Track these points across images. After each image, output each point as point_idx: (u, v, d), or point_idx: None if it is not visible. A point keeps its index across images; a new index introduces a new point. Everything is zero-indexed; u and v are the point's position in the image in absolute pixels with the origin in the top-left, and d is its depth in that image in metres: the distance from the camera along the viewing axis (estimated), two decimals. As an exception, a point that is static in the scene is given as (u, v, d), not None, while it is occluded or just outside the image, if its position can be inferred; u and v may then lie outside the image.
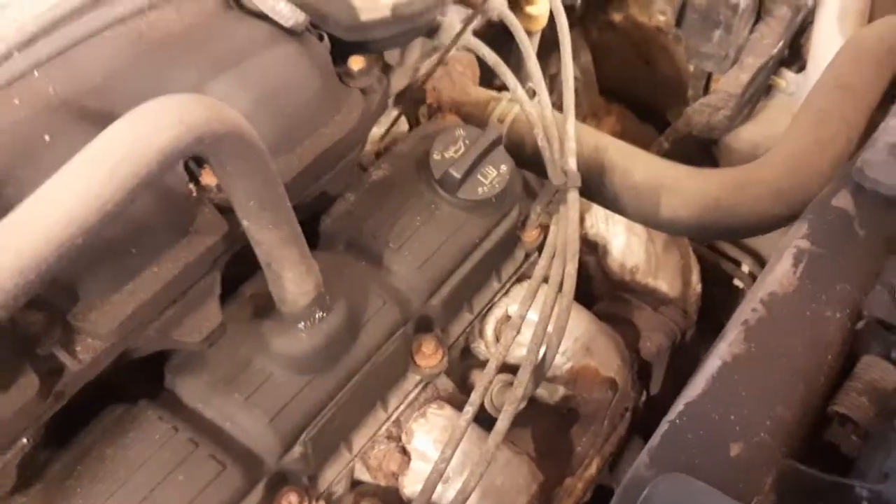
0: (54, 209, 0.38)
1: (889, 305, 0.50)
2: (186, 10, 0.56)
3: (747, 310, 0.52)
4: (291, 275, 0.55)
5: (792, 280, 0.53)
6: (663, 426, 0.46)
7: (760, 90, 1.13)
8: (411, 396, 0.72)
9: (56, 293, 0.48)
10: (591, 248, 0.99)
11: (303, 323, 0.58)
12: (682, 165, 0.85)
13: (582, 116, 1.33)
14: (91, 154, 0.40)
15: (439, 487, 0.62)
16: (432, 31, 0.77)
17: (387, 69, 0.75)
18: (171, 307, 0.54)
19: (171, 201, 0.52)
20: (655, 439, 0.46)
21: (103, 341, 0.50)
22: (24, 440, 0.49)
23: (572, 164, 0.78)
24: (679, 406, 0.47)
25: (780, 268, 0.54)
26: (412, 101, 0.90)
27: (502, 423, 0.65)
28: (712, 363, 0.49)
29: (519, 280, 0.81)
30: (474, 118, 0.92)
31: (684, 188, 0.82)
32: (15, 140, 0.51)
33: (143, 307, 0.51)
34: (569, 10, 1.07)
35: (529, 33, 0.94)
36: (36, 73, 0.52)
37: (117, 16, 0.54)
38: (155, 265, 0.52)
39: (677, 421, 0.46)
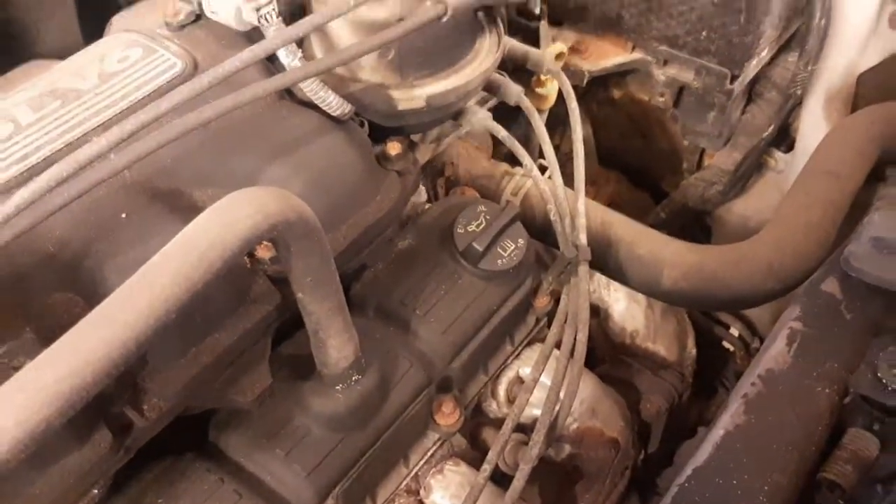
0: (155, 289, 0.44)
1: (872, 383, 0.56)
2: (252, 108, 0.62)
3: (747, 384, 0.58)
4: (335, 342, 0.60)
5: (786, 358, 0.59)
6: (673, 489, 0.52)
7: (752, 167, 1.21)
8: (430, 453, 0.77)
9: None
10: (594, 313, 1.05)
11: (340, 385, 0.64)
12: (682, 241, 0.92)
13: (581, 184, 1.40)
14: (184, 240, 0.46)
15: (458, 541, 0.67)
16: (457, 114, 0.84)
17: (412, 146, 0.82)
18: (228, 369, 0.59)
19: (231, 274, 0.58)
20: (667, 500, 0.51)
21: (168, 401, 0.55)
22: (95, 490, 0.53)
23: (583, 238, 0.84)
24: (687, 471, 0.53)
25: (775, 346, 0.60)
26: (432, 173, 0.97)
27: (519, 482, 0.70)
28: (716, 432, 0.55)
29: (529, 344, 0.87)
30: (489, 190, 0.99)
31: (685, 262, 0.89)
32: (95, 217, 0.56)
33: (204, 371, 0.56)
34: (573, 88, 1.15)
35: (540, 111, 1.02)
36: (112, 155, 0.58)
37: (185, 105, 0.59)
38: (216, 332, 0.57)
39: (686, 485, 0.52)
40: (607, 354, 1.06)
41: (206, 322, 0.57)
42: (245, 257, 0.62)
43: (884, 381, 0.55)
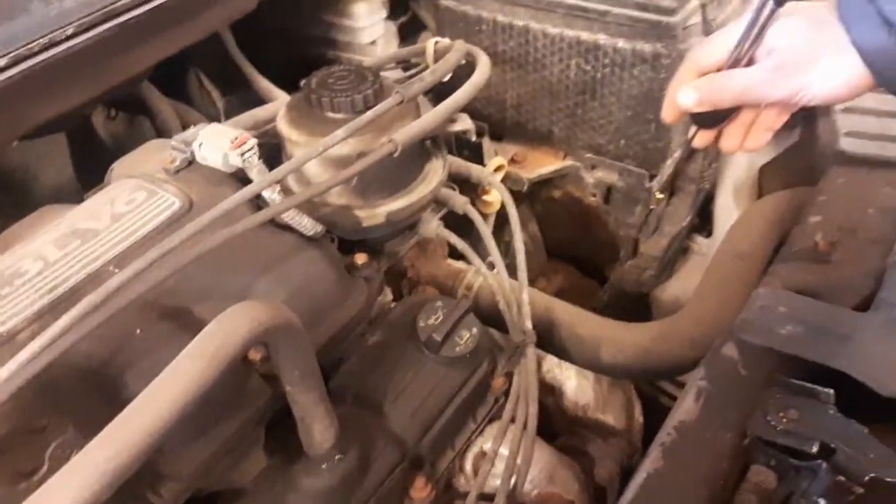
0: (175, 388, 0.55)
1: (764, 426, 0.67)
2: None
3: (664, 434, 0.69)
4: (319, 426, 0.71)
5: (695, 411, 0.71)
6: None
7: (677, 253, 1.35)
8: (407, 526, 0.86)
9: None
10: (549, 391, 1.16)
11: (325, 464, 0.74)
12: (616, 321, 1.04)
13: (533, 276, 1.53)
14: (196, 348, 0.57)
15: None
16: (413, 224, 0.97)
17: (377, 255, 0.94)
18: (229, 455, 0.69)
19: (230, 375, 0.69)
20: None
21: (182, 484, 0.65)
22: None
23: (529, 324, 0.96)
24: (617, 510, 0.63)
25: (686, 402, 0.72)
26: (395, 275, 1.09)
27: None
28: (640, 475, 0.66)
29: (491, 421, 0.97)
30: (445, 287, 1.11)
31: (619, 339, 1.01)
32: (115, 334, 0.67)
33: (211, 457, 0.66)
34: (517, 193, 1.30)
35: (487, 215, 1.16)
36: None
37: (184, 239, 0.71)
38: (220, 423, 0.67)
39: (618, 521, 0.62)
40: (563, 427, 1.17)
41: (211, 415, 0.67)
42: (240, 360, 0.73)
43: (772, 423, 0.67)
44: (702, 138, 0.80)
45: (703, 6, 1.10)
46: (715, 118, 0.76)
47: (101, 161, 0.95)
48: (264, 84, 1.20)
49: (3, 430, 0.57)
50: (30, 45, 0.63)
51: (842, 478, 0.64)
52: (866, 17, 0.64)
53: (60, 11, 0.66)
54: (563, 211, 1.46)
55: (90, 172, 1.01)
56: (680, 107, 0.75)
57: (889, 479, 0.64)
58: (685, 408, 0.72)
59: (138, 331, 0.68)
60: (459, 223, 1.05)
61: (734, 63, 0.71)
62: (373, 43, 1.30)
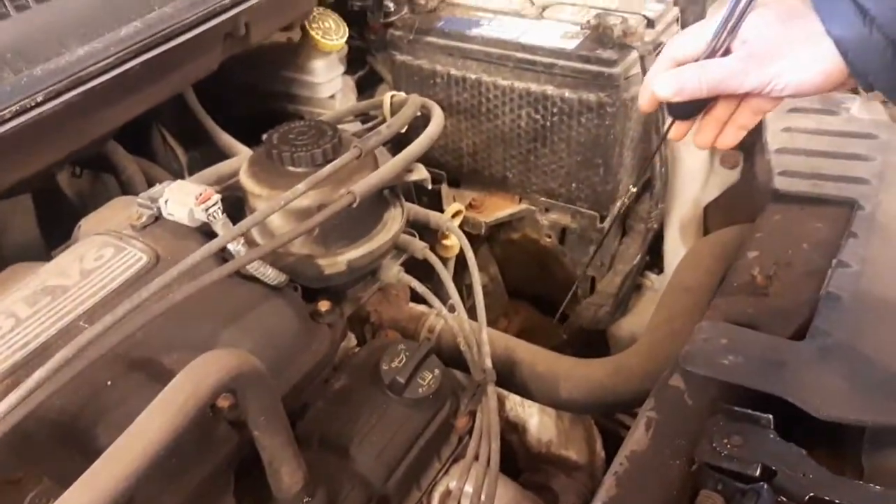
0: (148, 436, 0.57)
1: (710, 452, 0.71)
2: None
3: (617, 464, 0.73)
4: (287, 469, 0.73)
5: (645, 440, 0.75)
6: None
7: (631, 289, 1.40)
8: (375, 564, 0.87)
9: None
10: (513, 428, 1.19)
11: (294, 507, 0.76)
12: (573, 358, 1.08)
13: (495, 316, 1.57)
14: (166, 397, 0.59)
15: None
16: (374, 271, 1.00)
17: (339, 301, 0.97)
18: (200, 502, 0.70)
19: (199, 422, 0.71)
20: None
21: (155, 530, 0.66)
22: None
23: (488, 363, 0.99)
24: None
25: (637, 432, 0.75)
26: (358, 321, 1.12)
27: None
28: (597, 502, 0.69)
29: (456, 460, 1.00)
30: (408, 331, 1.14)
31: (576, 376, 1.05)
32: (86, 387, 0.69)
33: (184, 502, 0.68)
34: (476, 237, 1.34)
35: (447, 259, 1.19)
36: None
37: (152, 293, 0.74)
38: (191, 469, 0.69)
39: (574, 549, 0.65)
40: (527, 463, 1.19)
41: (181, 462, 0.69)
42: (208, 408, 0.75)
43: (717, 449, 0.71)
44: (677, 130, 0.80)
45: (642, 58, 1.16)
46: (690, 109, 0.77)
47: (67, 218, 0.97)
48: (226, 139, 1.24)
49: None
50: (1, 113, 0.66)
51: (783, 498, 0.68)
52: (841, 5, 0.64)
53: (30, 79, 0.69)
54: (522, 252, 1.51)
55: (56, 230, 1.03)
56: (656, 96, 0.75)
57: (827, 498, 0.68)
58: (636, 438, 0.75)
59: (109, 382, 0.70)
60: (421, 267, 1.09)
61: (710, 54, 0.72)
62: (332, 97, 1.34)
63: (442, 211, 1.18)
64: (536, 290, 1.60)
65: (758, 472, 0.69)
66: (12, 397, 0.60)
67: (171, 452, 0.58)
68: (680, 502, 0.71)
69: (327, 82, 1.31)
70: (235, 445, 0.73)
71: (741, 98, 0.74)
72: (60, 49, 0.71)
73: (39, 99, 0.68)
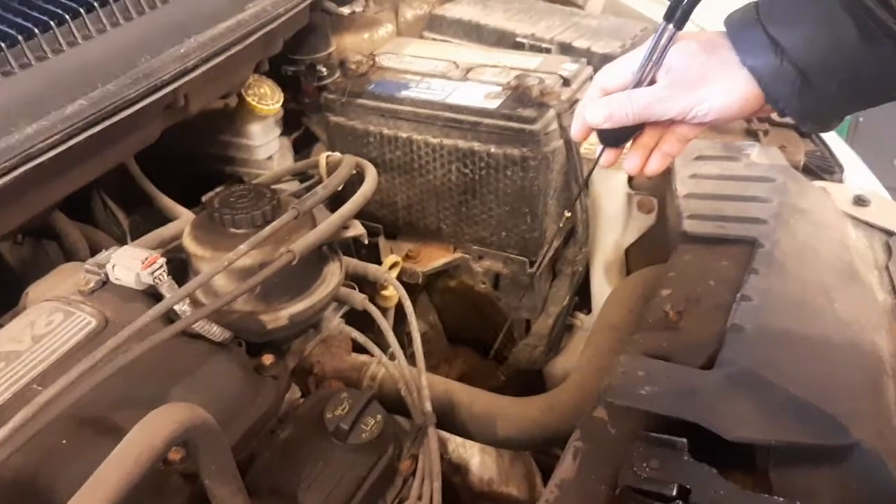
0: (104, 488, 0.60)
1: (632, 476, 0.77)
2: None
3: (547, 492, 0.78)
4: (237, 516, 0.76)
5: (573, 468, 0.80)
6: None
7: (562, 329, 1.48)
8: None
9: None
10: (455, 469, 1.24)
11: (245, 553, 0.79)
12: (509, 397, 1.14)
13: (436, 362, 1.62)
14: (122, 450, 0.63)
15: None
16: (316, 324, 1.05)
17: (283, 354, 1.01)
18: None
19: (152, 476, 0.74)
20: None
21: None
22: None
23: (428, 406, 1.04)
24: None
25: (565, 461, 0.81)
26: (302, 373, 1.16)
27: None
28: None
29: (401, 502, 1.04)
30: (351, 380, 1.18)
31: (512, 414, 1.10)
32: (42, 446, 0.71)
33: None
34: (414, 286, 1.40)
35: (387, 308, 1.25)
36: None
37: (104, 355, 0.77)
38: (144, 523, 0.72)
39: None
40: (471, 503, 1.24)
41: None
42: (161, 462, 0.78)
43: (638, 472, 0.77)
44: (608, 157, 0.85)
45: (559, 115, 1.25)
46: (620, 136, 0.81)
47: (10, 286, 0.99)
48: (167, 202, 1.27)
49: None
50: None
51: (697, 512, 0.75)
52: (754, 38, 0.70)
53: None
54: (459, 299, 1.57)
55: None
56: (588, 124, 0.80)
57: (736, 510, 0.74)
58: (564, 467, 0.81)
59: (64, 441, 0.73)
60: (362, 318, 1.14)
61: (637, 84, 0.77)
62: (269, 158, 1.40)
63: (380, 263, 1.24)
64: (475, 334, 1.66)
65: (674, 492, 0.75)
66: (-30, 460, 0.63)
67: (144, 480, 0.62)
68: (606, 524, 0.76)
69: (264, 145, 1.36)
70: (188, 497, 0.76)
71: (667, 125, 0.80)
72: (10, 128, 0.75)
73: (-10, 174, 0.72)
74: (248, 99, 1.29)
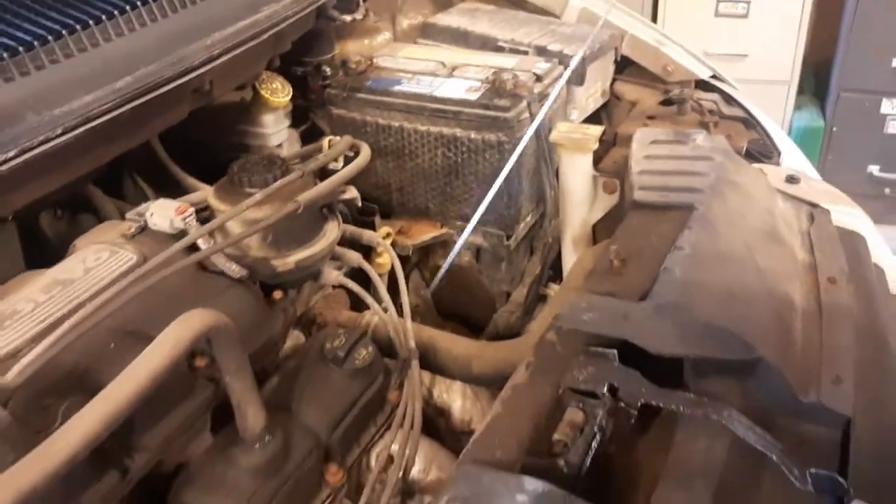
0: (145, 368, 0.77)
1: (572, 380, 0.93)
2: (183, 278, 0.97)
3: (504, 393, 0.95)
4: (252, 410, 0.92)
5: (525, 376, 0.97)
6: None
7: (537, 298, 1.64)
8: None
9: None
10: (440, 413, 1.39)
11: (258, 444, 0.95)
12: (482, 342, 1.30)
13: (427, 333, 1.78)
14: (159, 341, 0.80)
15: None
16: (317, 275, 1.22)
17: (288, 293, 1.18)
18: (184, 435, 0.90)
19: (182, 378, 0.91)
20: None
21: (148, 453, 0.85)
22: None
23: (412, 343, 1.21)
24: (469, 443, 0.87)
25: (519, 372, 0.97)
26: (306, 323, 1.32)
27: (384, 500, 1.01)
28: (485, 420, 0.91)
29: (388, 428, 1.20)
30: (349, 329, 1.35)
31: (484, 355, 1.27)
32: (95, 347, 0.88)
33: (171, 434, 0.87)
34: (406, 259, 1.56)
35: (380, 275, 1.41)
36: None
37: (142, 274, 0.94)
38: (176, 410, 0.88)
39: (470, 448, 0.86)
40: (453, 443, 1.39)
41: (170, 403, 0.88)
42: (188, 369, 0.94)
43: (578, 377, 0.93)
44: None
45: (529, 104, 1.42)
46: None
47: (50, 256, 1.15)
48: (191, 181, 1.44)
49: (20, 407, 0.77)
50: (31, 141, 0.87)
51: (623, 404, 0.90)
52: None
53: (50, 118, 0.90)
54: (447, 276, 1.73)
55: (37, 266, 1.21)
56: None
57: (654, 403, 0.90)
58: (519, 375, 0.97)
59: (112, 345, 0.89)
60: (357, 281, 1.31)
61: None
62: (279, 145, 1.57)
63: (375, 238, 1.41)
64: (462, 310, 1.82)
65: (605, 390, 0.91)
66: (39, 347, 0.80)
67: (163, 394, 0.78)
68: (551, 418, 0.92)
69: (276, 133, 1.54)
70: (210, 393, 0.93)
71: None
72: (72, 96, 0.92)
73: (59, 132, 0.89)
74: (262, 92, 1.46)
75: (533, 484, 0.78)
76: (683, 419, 0.90)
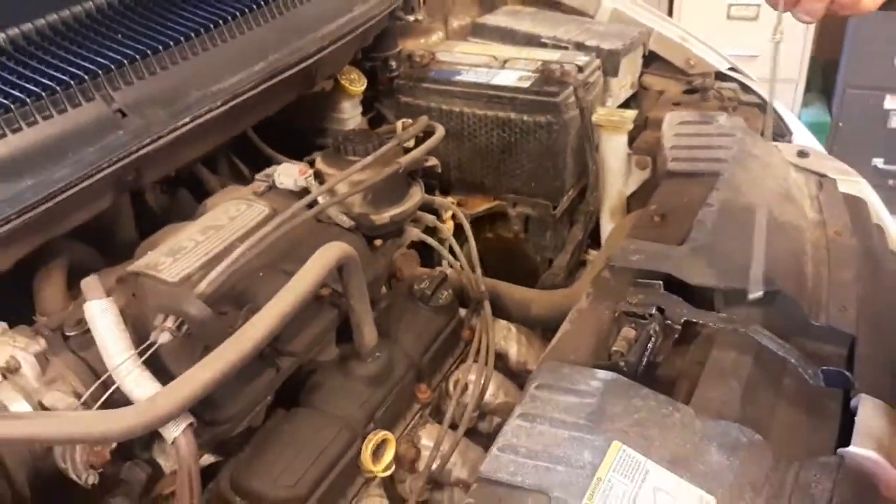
0: (301, 284, 0.98)
1: (626, 305, 1.13)
2: (304, 226, 1.18)
3: (570, 316, 1.16)
4: (367, 328, 1.14)
5: (586, 303, 1.17)
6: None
7: (578, 263, 1.85)
8: (416, 415, 1.28)
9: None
10: (500, 358, 1.61)
11: (370, 358, 1.16)
12: (540, 290, 1.51)
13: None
14: (308, 266, 1.01)
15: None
16: (400, 232, 1.43)
17: (389, 249, 1.40)
18: (318, 344, 1.11)
19: (314, 302, 1.12)
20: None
21: (299, 355, 1.07)
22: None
23: (482, 286, 1.42)
24: (546, 350, 1.08)
25: (581, 302, 1.19)
26: (390, 275, 1.54)
27: (462, 427, 1.23)
28: (558, 335, 1.12)
29: (463, 360, 1.41)
30: (423, 283, 1.56)
31: (541, 300, 1.48)
32: (248, 275, 1.10)
33: (312, 340, 1.09)
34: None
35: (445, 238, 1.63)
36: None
37: (279, 223, 1.15)
38: (312, 328, 1.10)
39: (548, 354, 1.07)
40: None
41: (307, 322, 1.09)
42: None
43: (631, 301, 1.14)
44: None
45: (576, 89, 1.64)
46: None
47: (154, 228, 1.35)
48: (281, 158, 1.66)
49: (205, 314, 0.98)
50: (199, 112, 1.09)
51: (669, 321, 1.12)
52: None
53: (210, 93, 1.12)
54: (496, 246, 1.94)
55: (144, 236, 1.42)
56: None
57: (693, 321, 1.11)
58: (581, 304, 1.19)
59: (261, 273, 1.11)
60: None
61: None
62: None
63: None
64: (508, 278, 2.03)
65: (653, 311, 1.12)
66: (215, 272, 1.01)
67: (304, 309, 0.99)
68: (609, 335, 1.13)
69: (352, 118, 1.76)
70: (336, 315, 1.14)
71: None
72: (223, 76, 1.14)
73: (218, 103, 1.11)
74: (342, 81, 1.68)
75: (603, 374, 1.00)
76: (718, 334, 1.12)
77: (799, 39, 3.76)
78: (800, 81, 3.89)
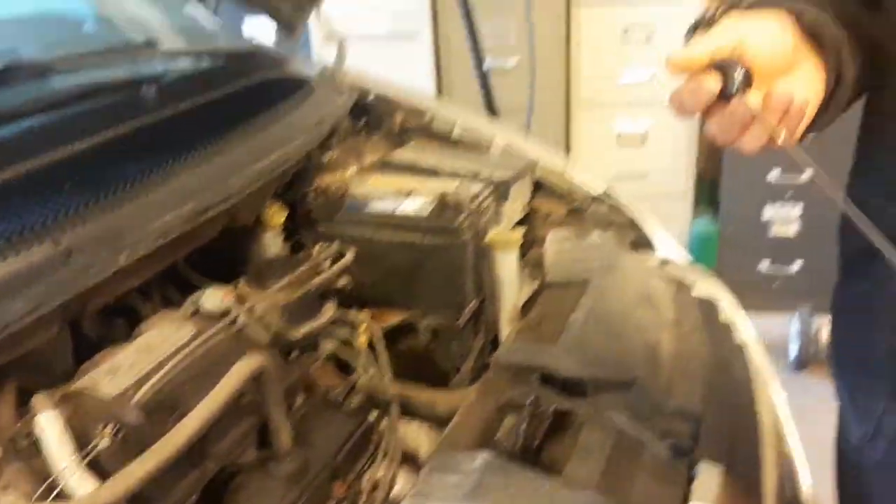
0: (222, 392, 1.14)
1: (508, 397, 1.33)
2: (226, 343, 1.36)
3: (461, 409, 1.34)
4: (284, 431, 1.29)
5: (474, 397, 1.37)
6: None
7: (482, 367, 2.04)
8: None
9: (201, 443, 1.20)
10: (411, 454, 1.76)
11: (288, 458, 1.31)
12: (444, 391, 1.69)
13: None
14: (229, 374, 1.17)
15: None
16: (315, 346, 1.60)
17: (303, 361, 1.56)
18: (239, 448, 1.26)
19: (235, 407, 1.28)
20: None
21: (218, 460, 1.21)
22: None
23: (392, 392, 1.59)
24: (437, 443, 1.26)
25: (470, 395, 1.38)
26: (307, 386, 1.70)
27: None
28: (448, 428, 1.29)
29: (374, 460, 1.56)
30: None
31: (445, 400, 1.66)
32: (177, 386, 1.25)
33: (230, 449, 1.23)
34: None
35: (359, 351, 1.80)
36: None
37: (202, 346, 1.32)
38: (234, 432, 1.25)
39: (438, 445, 1.24)
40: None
41: (229, 426, 1.25)
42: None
43: (510, 393, 1.33)
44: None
45: (469, 215, 1.88)
46: None
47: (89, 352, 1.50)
48: (211, 285, 1.83)
49: (140, 420, 1.13)
50: (136, 250, 1.27)
51: (542, 409, 1.31)
52: None
53: (146, 232, 1.31)
54: (409, 354, 2.11)
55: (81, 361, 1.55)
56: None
57: (564, 408, 1.31)
58: (470, 398, 1.38)
59: (186, 387, 1.26)
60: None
61: None
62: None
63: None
64: (421, 383, 2.20)
65: (530, 401, 1.32)
66: (146, 386, 1.17)
67: (226, 414, 1.15)
68: (492, 423, 1.31)
69: (273, 245, 1.95)
70: (256, 419, 1.30)
71: None
72: (157, 216, 1.34)
73: (153, 240, 1.30)
74: (264, 215, 1.89)
75: (482, 455, 1.18)
76: (585, 419, 1.32)
77: (683, 158, 4.20)
78: (688, 197, 4.31)
